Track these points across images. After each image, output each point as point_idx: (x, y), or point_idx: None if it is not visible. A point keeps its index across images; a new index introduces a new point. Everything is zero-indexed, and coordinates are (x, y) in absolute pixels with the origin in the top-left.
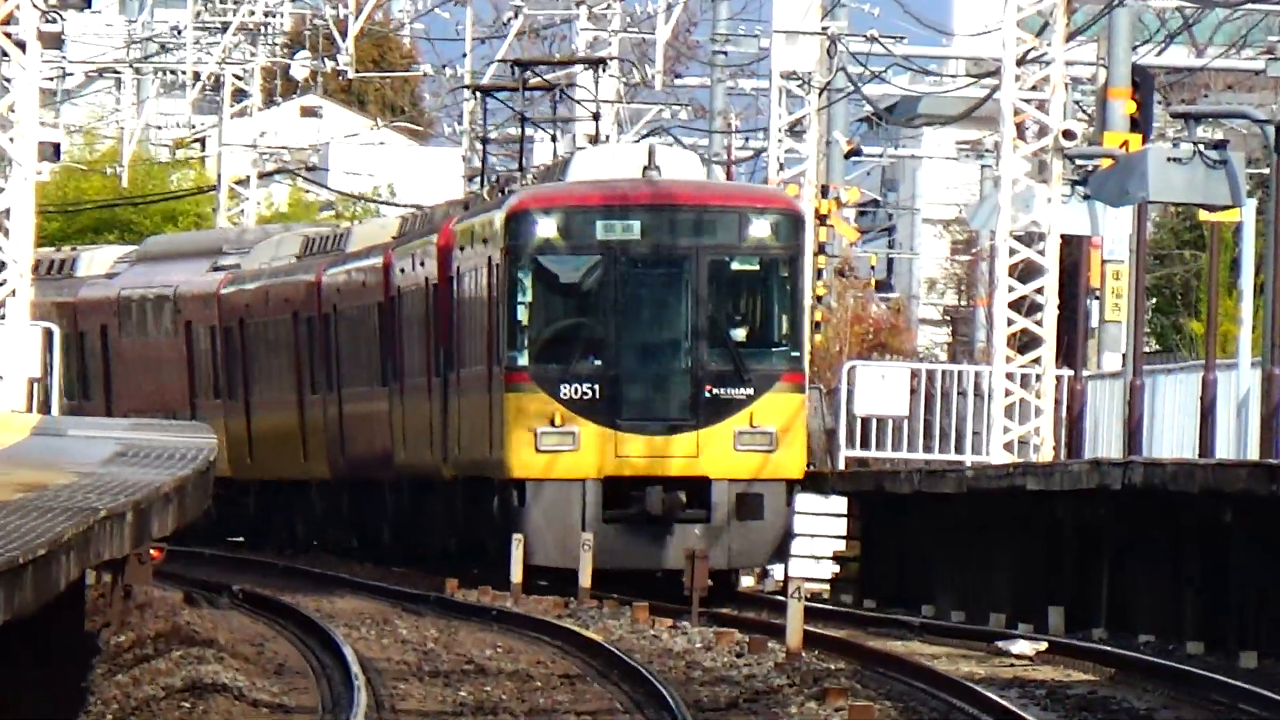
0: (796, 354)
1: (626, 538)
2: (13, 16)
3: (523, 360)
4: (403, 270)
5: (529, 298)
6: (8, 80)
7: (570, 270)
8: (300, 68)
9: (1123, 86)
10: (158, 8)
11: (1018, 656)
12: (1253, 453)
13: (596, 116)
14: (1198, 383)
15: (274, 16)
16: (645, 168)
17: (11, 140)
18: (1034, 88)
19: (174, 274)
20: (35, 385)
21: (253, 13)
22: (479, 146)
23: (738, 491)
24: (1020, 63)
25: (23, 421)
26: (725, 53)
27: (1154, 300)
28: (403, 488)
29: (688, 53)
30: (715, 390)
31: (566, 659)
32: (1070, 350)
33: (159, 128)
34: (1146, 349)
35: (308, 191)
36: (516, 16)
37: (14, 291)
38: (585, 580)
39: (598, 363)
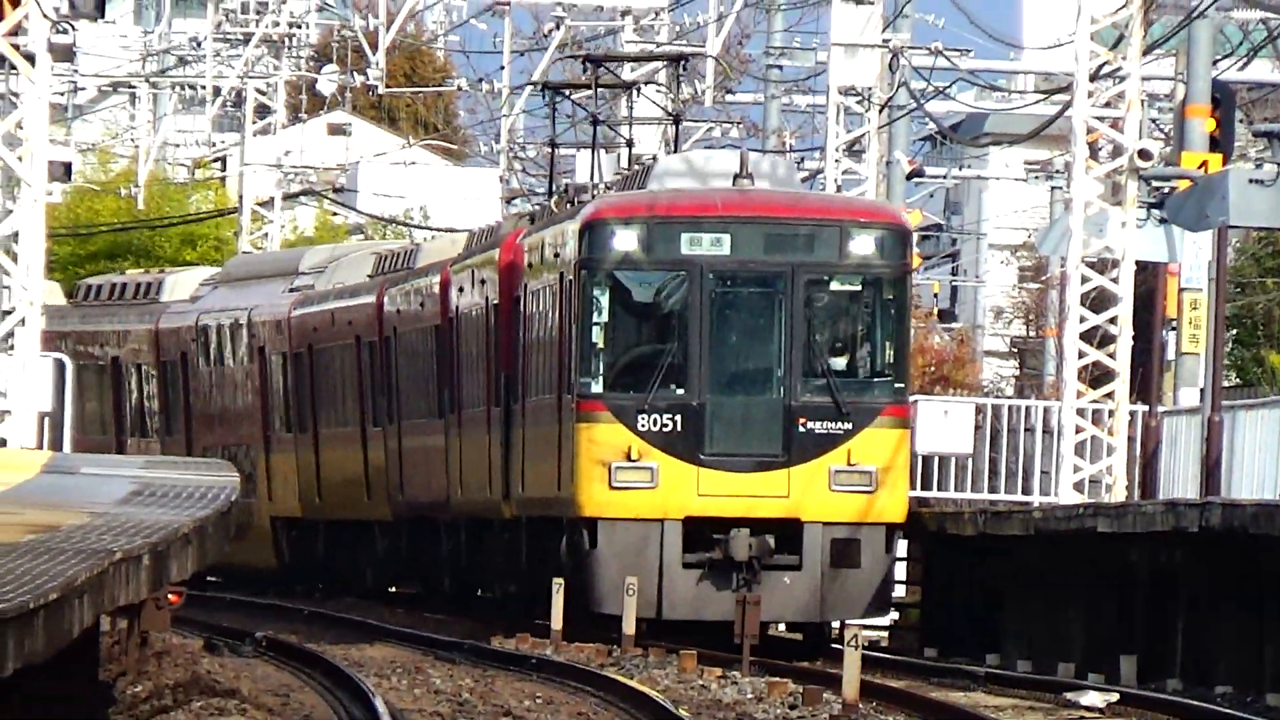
0: (900, 385)
1: (707, 585)
2: (21, 27)
3: (597, 387)
4: (461, 289)
5: (605, 318)
6: (16, 95)
7: (651, 288)
8: (327, 82)
9: (1202, 103)
10: (175, 18)
11: (1088, 709)
12: None
13: (678, 120)
14: None
15: (300, 28)
16: (736, 175)
17: (20, 159)
18: (1108, 104)
19: (252, 297)
20: (45, 420)
21: (277, 24)
22: (517, 165)
23: (833, 536)
24: (1094, 78)
25: (33, 459)
26: (780, 67)
27: (1234, 331)
28: (460, 529)
29: (740, 67)
30: (810, 424)
31: (610, 710)
32: (1145, 384)
33: (177, 146)
34: (1226, 383)
35: (335, 214)
36: (558, 28)
37: (23, 320)
38: (629, 627)
39: (680, 391)
